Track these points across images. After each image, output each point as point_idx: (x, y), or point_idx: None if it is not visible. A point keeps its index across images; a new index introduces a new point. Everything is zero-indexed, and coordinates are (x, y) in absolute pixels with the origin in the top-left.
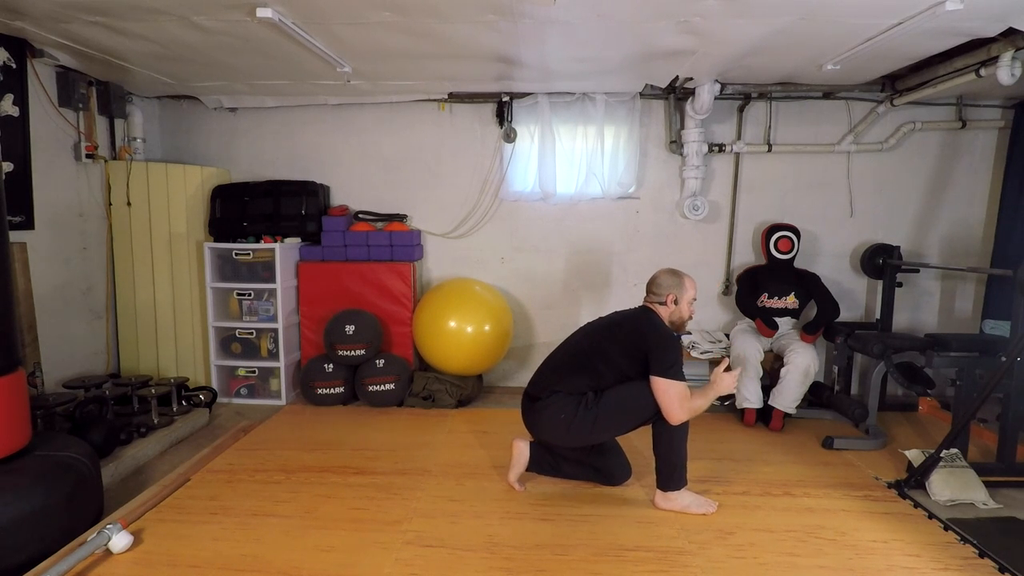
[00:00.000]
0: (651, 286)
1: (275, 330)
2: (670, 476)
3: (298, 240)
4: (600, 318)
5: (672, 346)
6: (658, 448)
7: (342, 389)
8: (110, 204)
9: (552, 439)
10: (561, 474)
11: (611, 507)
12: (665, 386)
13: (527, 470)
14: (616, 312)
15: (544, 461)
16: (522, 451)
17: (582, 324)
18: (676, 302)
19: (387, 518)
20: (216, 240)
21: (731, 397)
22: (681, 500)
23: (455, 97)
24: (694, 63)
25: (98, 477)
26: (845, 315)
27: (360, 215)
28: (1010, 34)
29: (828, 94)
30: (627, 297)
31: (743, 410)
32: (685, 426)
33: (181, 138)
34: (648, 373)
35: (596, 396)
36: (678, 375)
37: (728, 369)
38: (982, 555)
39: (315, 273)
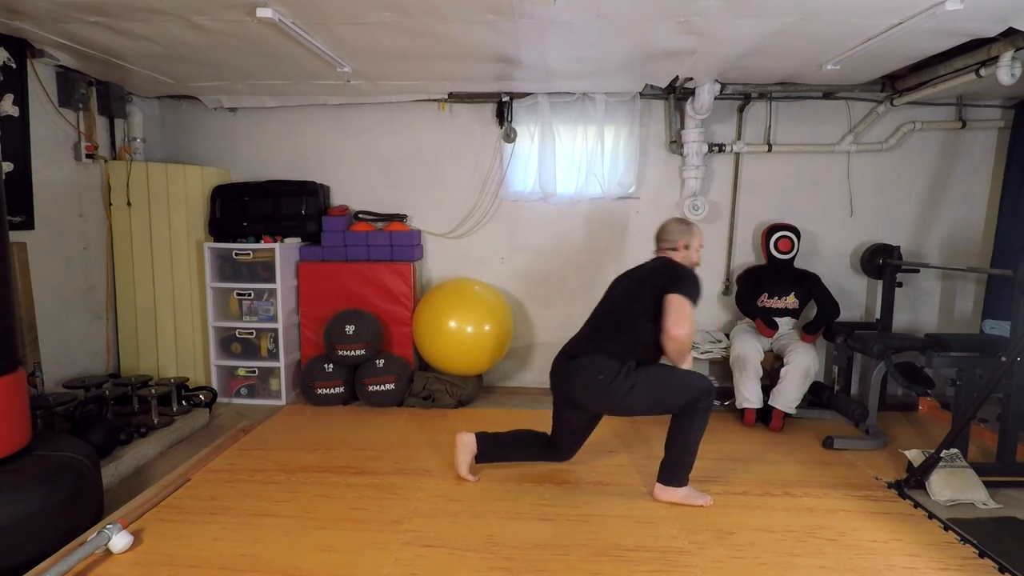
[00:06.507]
0: (662, 235)
1: (275, 330)
2: (674, 472)
3: (298, 240)
4: (625, 274)
5: (694, 280)
6: (671, 442)
7: (342, 389)
8: (110, 204)
9: (582, 398)
10: (509, 459)
11: (611, 507)
12: (679, 300)
13: (476, 462)
14: (635, 267)
15: (491, 451)
16: (467, 443)
17: (582, 323)
18: (687, 247)
19: (387, 518)
20: (216, 240)
21: (731, 397)
22: (680, 492)
23: (455, 97)
24: (694, 63)
25: (98, 477)
26: (845, 315)
27: (360, 215)
28: (1010, 34)
29: (828, 94)
30: None
31: (743, 410)
32: (701, 426)
33: (181, 138)
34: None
35: (637, 366)
36: (695, 300)
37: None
38: (982, 555)
39: (315, 273)
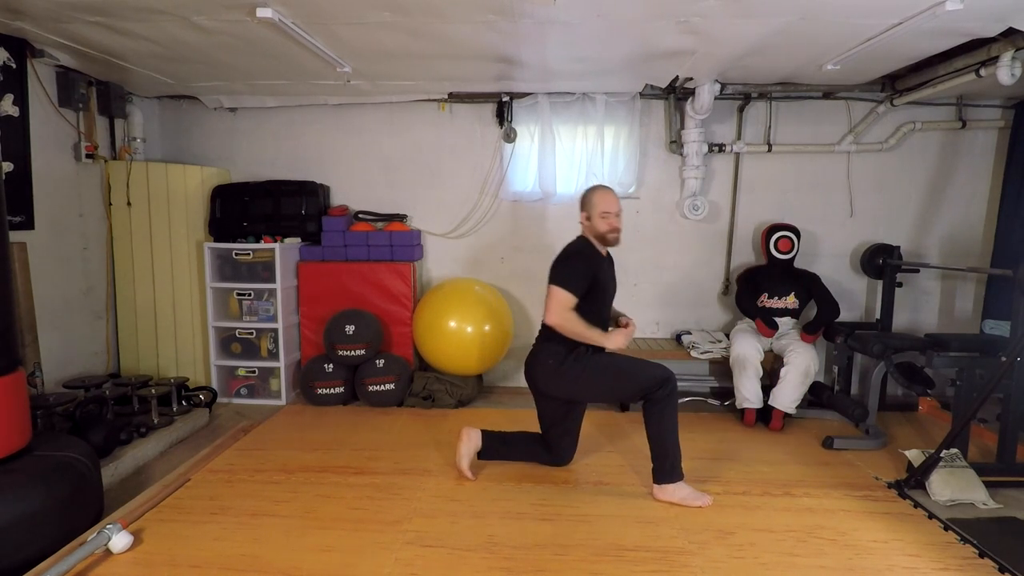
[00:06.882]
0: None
1: (275, 330)
2: (662, 469)
3: (298, 240)
4: None
5: (567, 261)
6: (650, 440)
7: (342, 389)
8: (110, 204)
9: (542, 384)
10: (511, 457)
11: (611, 507)
12: (550, 289)
13: (479, 458)
14: None
15: (494, 449)
16: (473, 438)
17: None
18: (589, 219)
19: (387, 518)
20: (216, 240)
21: (731, 397)
22: (679, 492)
23: (455, 97)
24: (694, 63)
25: (98, 477)
26: (845, 315)
27: (360, 215)
28: (1010, 34)
29: (828, 94)
30: (627, 296)
31: (743, 410)
32: (671, 416)
33: (181, 138)
34: None
35: (588, 351)
36: (566, 285)
37: (622, 326)
38: (982, 555)
39: (315, 273)
